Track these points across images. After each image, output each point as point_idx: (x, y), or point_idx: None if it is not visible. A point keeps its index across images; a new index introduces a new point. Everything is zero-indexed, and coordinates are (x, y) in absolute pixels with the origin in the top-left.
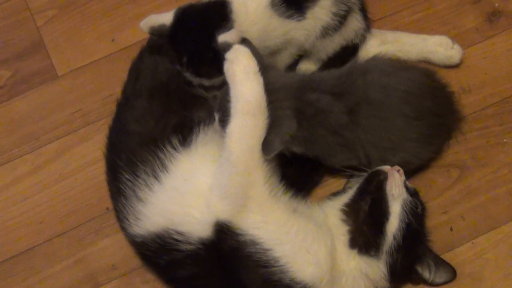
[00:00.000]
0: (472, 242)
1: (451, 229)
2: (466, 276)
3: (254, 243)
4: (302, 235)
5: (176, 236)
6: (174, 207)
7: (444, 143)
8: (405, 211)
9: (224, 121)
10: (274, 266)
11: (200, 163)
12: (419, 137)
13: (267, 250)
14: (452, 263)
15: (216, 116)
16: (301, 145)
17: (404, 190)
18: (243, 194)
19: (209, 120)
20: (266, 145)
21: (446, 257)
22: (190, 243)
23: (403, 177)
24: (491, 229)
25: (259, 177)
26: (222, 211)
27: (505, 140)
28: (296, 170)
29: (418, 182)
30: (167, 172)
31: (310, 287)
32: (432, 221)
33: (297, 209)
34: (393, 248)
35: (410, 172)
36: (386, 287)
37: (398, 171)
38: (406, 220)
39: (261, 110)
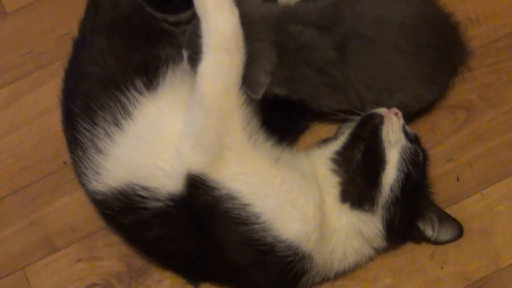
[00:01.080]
0: (481, 193)
1: (458, 179)
2: (474, 231)
3: (231, 197)
4: (287, 187)
5: (141, 192)
6: (139, 159)
7: (448, 82)
8: (404, 160)
9: (194, 59)
10: (254, 223)
11: (169, 108)
12: (419, 75)
13: (246, 205)
14: (459, 217)
15: (185, 54)
16: (283, 85)
17: (402, 135)
18: (218, 142)
19: (179, 58)
20: (251, 84)
21: (452, 210)
22: (158, 200)
23: (402, 121)
24: (503, 178)
25: (236, 122)
26: (195, 162)
27: None
28: (279, 115)
29: (419, 127)
30: (130, 119)
31: (297, 246)
32: (436, 170)
33: (280, 159)
34: (390, 201)
35: (410, 116)
36: (383, 246)
37: (396, 114)
38: (405, 169)
39: (238, 46)
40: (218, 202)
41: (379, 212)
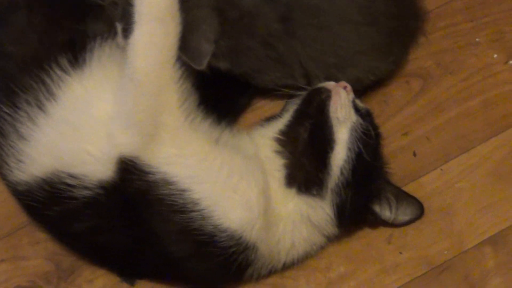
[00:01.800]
0: (441, 169)
1: (414, 154)
2: (434, 211)
3: (167, 182)
4: (227, 171)
5: (68, 181)
6: (65, 144)
7: (406, 51)
8: (355, 138)
9: (128, 31)
10: (192, 211)
11: (97, 87)
12: (374, 47)
13: (183, 191)
14: (418, 195)
15: (119, 27)
16: (226, 58)
17: (352, 111)
18: (152, 122)
19: (108, 33)
20: (193, 54)
21: (409, 189)
22: (86, 188)
23: (352, 95)
24: (464, 151)
25: (171, 99)
26: (127, 144)
27: (477, 39)
28: (218, 92)
29: (370, 99)
30: (54, 100)
31: (239, 236)
32: (391, 146)
33: (220, 139)
34: (340, 184)
35: (362, 89)
36: (335, 233)
37: (345, 87)
38: (356, 148)
39: (172, 14)
40: (152, 188)
41: (329, 196)
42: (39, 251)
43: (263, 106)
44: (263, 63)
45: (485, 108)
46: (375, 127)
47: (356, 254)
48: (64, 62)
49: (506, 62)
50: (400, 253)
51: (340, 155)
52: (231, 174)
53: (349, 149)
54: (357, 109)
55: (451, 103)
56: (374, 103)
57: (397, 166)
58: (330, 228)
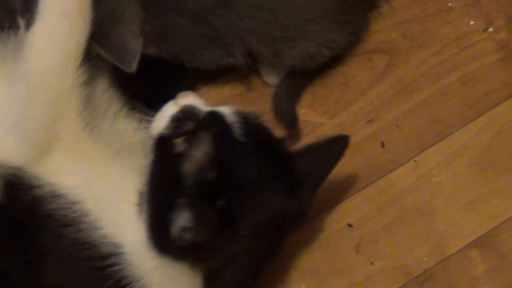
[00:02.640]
0: (415, 161)
1: (383, 145)
2: (410, 211)
3: (56, 196)
4: (119, 186)
5: None
6: None
7: (365, 20)
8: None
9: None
10: (82, 222)
11: None
12: (326, 15)
13: (74, 203)
14: (389, 194)
15: (22, 21)
16: (152, 43)
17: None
18: (43, 131)
19: (10, 25)
20: (119, 55)
21: (379, 186)
22: None
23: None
24: (441, 138)
25: (70, 107)
26: (10, 154)
27: (449, 4)
28: (152, 82)
29: (328, 81)
30: None
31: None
32: (354, 136)
33: (123, 151)
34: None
35: (316, 67)
36: None
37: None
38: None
39: (81, 9)
40: (41, 203)
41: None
42: None
43: (206, 92)
44: (197, 42)
45: (463, 85)
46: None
47: (320, 267)
48: None
49: (485, 30)
50: (372, 263)
51: None
52: (125, 187)
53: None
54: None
55: (423, 82)
56: (332, 86)
57: (362, 160)
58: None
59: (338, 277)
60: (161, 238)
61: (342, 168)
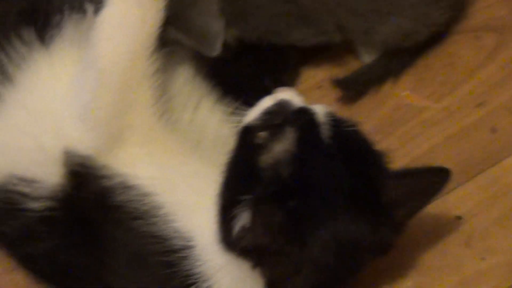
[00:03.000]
0: None
1: (493, 130)
2: None
3: (126, 187)
4: (196, 179)
5: (21, 188)
6: (21, 137)
7: None
8: None
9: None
10: (154, 216)
11: (64, 68)
12: None
13: (146, 195)
14: (502, 182)
15: (90, 8)
16: (232, 24)
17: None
18: (113, 121)
19: (80, 8)
20: (200, 40)
21: (489, 175)
22: (40, 199)
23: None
24: None
25: (142, 97)
26: (81, 142)
27: None
28: (237, 72)
29: (432, 62)
30: (11, 82)
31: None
32: (462, 121)
33: (202, 143)
34: None
35: (418, 47)
36: None
37: None
38: None
39: None
40: (109, 194)
41: None
42: (16, 280)
43: (313, 76)
44: (281, 21)
45: None
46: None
47: (429, 264)
48: (26, 35)
49: None
50: (483, 259)
51: None
52: (202, 180)
53: None
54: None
55: None
56: (437, 67)
57: (471, 146)
58: None
59: (447, 274)
60: (226, 234)
61: (449, 156)
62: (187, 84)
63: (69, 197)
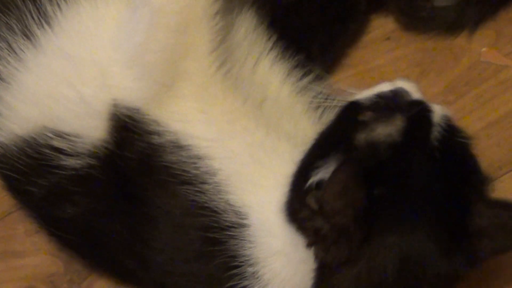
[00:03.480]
0: None
1: None
2: None
3: (177, 146)
4: (259, 144)
5: (55, 142)
6: (57, 87)
7: None
8: None
9: None
10: (206, 183)
11: (108, 9)
12: None
13: (199, 157)
14: None
15: None
16: None
17: None
18: (168, 68)
19: None
20: None
21: None
22: (77, 156)
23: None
24: None
25: (201, 40)
26: (129, 93)
27: None
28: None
29: None
30: (48, 26)
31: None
32: None
33: (266, 102)
34: None
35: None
36: None
37: None
38: None
39: None
40: (157, 153)
41: None
42: (40, 244)
43: (383, 25)
44: None
45: None
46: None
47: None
48: None
49: None
50: None
51: None
52: (263, 149)
53: None
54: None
55: None
56: None
57: None
58: None
59: None
60: (296, 196)
61: None
62: (248, 35)
63: (111, 155)
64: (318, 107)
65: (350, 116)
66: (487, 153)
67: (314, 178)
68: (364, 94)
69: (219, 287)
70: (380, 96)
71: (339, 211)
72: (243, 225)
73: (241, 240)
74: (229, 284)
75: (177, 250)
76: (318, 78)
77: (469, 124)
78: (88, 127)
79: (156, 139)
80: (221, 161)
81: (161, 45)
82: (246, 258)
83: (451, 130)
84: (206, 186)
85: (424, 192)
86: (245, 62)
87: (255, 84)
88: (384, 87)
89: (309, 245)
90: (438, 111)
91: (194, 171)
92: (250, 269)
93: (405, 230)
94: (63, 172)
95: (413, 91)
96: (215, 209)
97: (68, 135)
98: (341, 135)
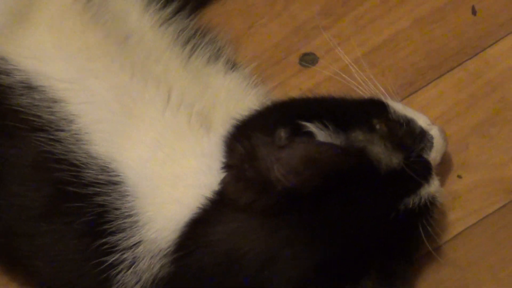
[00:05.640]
0: None
1: (474, 11)
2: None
3: (28, 87)
4: (124, 83)
5: None
6: None
7: None
8: None
9: None
10: (62, 130)
11: None
12: None
13: (54, 100)
14: (484, 78)
15: None
16: None
17: None
18: None
19: None
20: None
21: (471, 67)
22: None
23: None
24: None
25: None
26: None
27: None
28: None
29: None
30: None
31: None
32: (437, 2)
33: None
34: None
35: None
36: None
37: None
38: None
39: None
40: (6, 97)
41: None
42: None
43: None
44: None
45: None
46: None
47: None
48: None
49: None
50: (459, 176)
51: None
52: (128, 94)
53: None
54: None
55: None
56: None
57: (446, 32)
58: None
59: None
60: (246, 129)
61: (417, 44)
62: None
63: None
64: (185, 44)
65: (370, 112)
66: (371, 83)
67: (293, 128)
68: (399, 107)
69: (79, 248)
70: (409, 124)
71: (290, 171)
72: (114, 183)
73: (114, 195)
74: (100, 242)
75: (24, 208)
76: (182, 9)
77: (349, 51)
78: None
79: (4, 79)
80: (80, 106)
81: None
82: (124, 214)
83: (424, 211)
84: (62, 134)
85: (351, 227)
86: None
87: (116, 16)
88: (422, 120)
89: (227, 167)
90: (434, 185)
91: (48, 116)
92: (127, 221)
93: (301, 237)
94: None
95: (437, 148)
96: (74, 161)
97: None
98: (350, 115)
